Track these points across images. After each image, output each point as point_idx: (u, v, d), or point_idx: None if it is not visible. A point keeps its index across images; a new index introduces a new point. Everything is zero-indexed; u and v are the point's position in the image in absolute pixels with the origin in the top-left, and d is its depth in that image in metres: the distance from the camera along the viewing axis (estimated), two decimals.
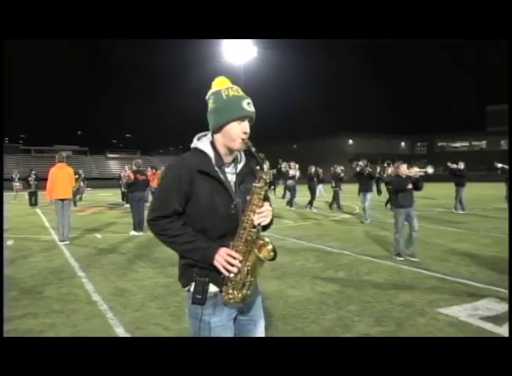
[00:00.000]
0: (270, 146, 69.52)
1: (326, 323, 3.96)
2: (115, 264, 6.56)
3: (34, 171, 18.49)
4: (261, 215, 1.70)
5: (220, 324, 1.77)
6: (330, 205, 14.96)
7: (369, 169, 11.79)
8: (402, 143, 69.37)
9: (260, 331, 1.93)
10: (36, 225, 11.72)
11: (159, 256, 7.02)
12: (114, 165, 54.32)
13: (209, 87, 1.90)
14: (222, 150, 1.81)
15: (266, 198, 1.80)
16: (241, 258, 1.69)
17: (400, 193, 6.65)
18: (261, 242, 1.71)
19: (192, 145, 1.85)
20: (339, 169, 14.90)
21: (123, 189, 18.22)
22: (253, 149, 1.77)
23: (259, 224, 1.70)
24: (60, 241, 8.50)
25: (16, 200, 20.29)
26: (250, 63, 40.50)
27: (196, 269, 1.75)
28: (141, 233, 9.45)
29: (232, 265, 1.68)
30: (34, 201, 17.59)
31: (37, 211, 15.55)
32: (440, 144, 66.36)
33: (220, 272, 1.71)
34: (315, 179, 15.36)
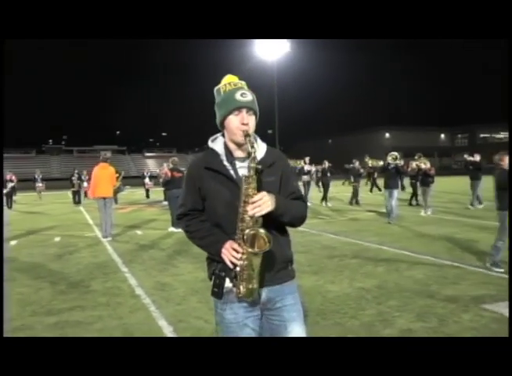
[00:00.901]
0: (304, 141, 69.10)
1: (366, 319, 3.93)
2: (156, 259, 6.75)
3: (76, 171, 19.22)
4: (255, 205, 1.64)
5: (235, 321, 1.77)
6: (350, 201, 14.76)
7: (398, 162, 10.41)
8: (442, 135, 67.20)
9: (292, 336, 1.81)
10: (80, 222, 12.20)
11: (198, 251, 7.09)
12: (151, 164, 55.56)
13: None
14: (231, 146, 1.83)
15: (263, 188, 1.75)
16: (242, 251, 1.66)
17: (505, 192, 5.20)
18: (252, 233, 1.66)
19: (209, 144, 1.90)
20: (358, 164, 14.73)
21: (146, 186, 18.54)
22: (248, 138, 1.73)
23: (254, 215, 1.65)
24: (103, 237, 8.85)
25: (41, 200, 21.09)
26: (283, 59, 40.31)
27: (216, 263, 1.79)
28: (179, 230, 9.66)
29: (236, 258, 1.67)
30: (77, 200, 18.31)
31: (81, 209, 16.18)
32: (482, 135, 63.74)
33: (234, 267, 1.71)
34: (329, 174, 15.21)
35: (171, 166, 10.36)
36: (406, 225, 9.59)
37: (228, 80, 1.87)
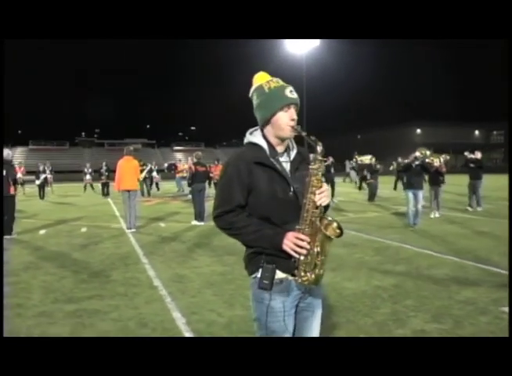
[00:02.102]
0: (333, 137, 68.35)
1: (380, 317, 3.88)
2: (176, 252, 6.86)
3: (105, 163, 19.68)
4: (322, 196, 1.75)
5: (283, 310, 1.82)
6: (369, 198, 14.54)
7: (428, 159, 9.33)
8: (476, 132, 65.05)
9: (317, 319, 1.95)
10: (107, 214, 12.51)
11: (218, 245, 7.24)
12: (180, 157, 56.33)
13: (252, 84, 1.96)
14: (274, 141, 1.87)
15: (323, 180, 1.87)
16: (309, 240, 1.73)
17: None
18: (326, 221, 1.76)
19: (246, 140, 1.92)
20: (374, 160, 14.50)
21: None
22: (303, 133, 1.84)
23: (320, 204, 1.76)
24: (128, 229, 9.07)
25: (85, 193, 21.61)
26: (312, 52, 39.92)
27: (264, 256, 1.81)
28: (202, 223, 9.78)
29: (302, 247, 1.72)
30: (106, 192, 18.77)
31: (109, 201, 16.59)
32: None
33: (289, 258, 1.76)
34: (332, 171, 15.11)
35: (194, 160, 10.46)
36: (430, 224, 9.37)
37: (266, 77, 1.91)
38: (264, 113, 1.86)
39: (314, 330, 1.94)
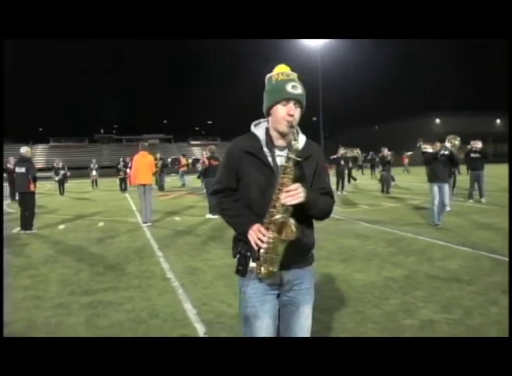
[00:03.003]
0: (349, 128, 67.70)
1: (388, 308, 3.90)
2: (190, 245, 6.97)
3: (122, 159, 19.98)
4: (288, 195, 1.71)
5: (255, 296, 1.87)
6: (382, 190, 14.41)
7: (453, 149, 8.07)
8: (497, 121, 63.49)
9: (303, 317, 1.94)
10: (124, 208, 12.74)
11: (231, 238, 7.29)
12: (197, 152, 56.65)
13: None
14: (274, 134, 1.89)
15: (303, 178, 1.82)
16: (270, 235, 1.74)
17: None
18: (283, 221, 1.73)
19: (251, 128, 1.97)
20: (386, 152, 14.33)
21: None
22: (291, 129, 1.79)
23: (285, 203, 1.72)
24: (143, 223, 9.24)
25: (94, 189, 21.90)
26: (327, 44, 39.54)
27: (241, 244, 1.88)
28: (216, 217, 9.88)
29: (261, 240, 1.75)
30: (123, 187, 19.07)
31: (126, 196, 16.86)
32: None
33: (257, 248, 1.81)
34: (342, 163, 15.17)
35: (208, 154, 10.55)
36: (445, 215, 9.25)
37: (281, 69, 1.93)
38: (266, 102, 1.90)
39: (300, 327, 1.93)
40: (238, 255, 1.89)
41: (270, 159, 1.86)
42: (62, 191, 18.53)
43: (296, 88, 1.84)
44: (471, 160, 11.50)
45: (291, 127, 1.80)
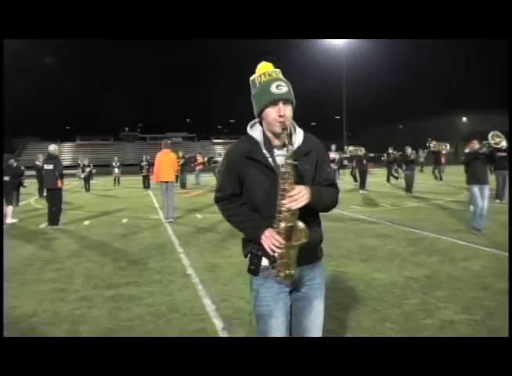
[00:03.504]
0: (373, 126, 66.79)
1: (408, 307, 3.86)
2: (210, 242, 7.05)
3: (145, 157, 20.27)
4: (291, 199, 1.71)
5: (268, 295, 1.89)
6: (406, 189, 14.16)
7: (498, 147, 7.71)
8: None
9: (316, 312, 1.96)
10: (147, 205, 12.96)
11: None
12: (219, 150, 57.01)
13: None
14: (269, 134, 1.88)
15: (304, 181, 1.83)
16: (282, 241, 1.75)
17: None
18: (292, 226, 1.75)
19: (247, 130, 1.95)
20: (409, 151, 14.08)
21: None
22: (284, 131, 1.79)
23: (290, 208, 1.72)
24: (165, 219, 9.40)
25: (117, 186, 22.24)
26: (351, 42, 39.13)
27: (252, 244, 1.90)
28: None
29: (276, 246, 1.76)
30: (146, 184, 19.36)
31: (149, 193, 17.12)
32: None
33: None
34: (365, 162, 15.03)
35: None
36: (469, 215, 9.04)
37: (263, 69, 1.90)
38: (255, 107, 1.89)
39: (312, 322, 1.95)
40: (249, 255, 1.91)
41: (270, 160, 1.85)
42: (87, 188, 18.96)
43: (281, 88, 1.82)
44: (498, 160, 11.06)
45: (284, 129, 1.79)
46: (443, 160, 20.61)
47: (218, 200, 2.02)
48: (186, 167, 20.12)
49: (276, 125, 1.81)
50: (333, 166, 15.55)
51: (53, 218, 8.96)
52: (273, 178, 1.83)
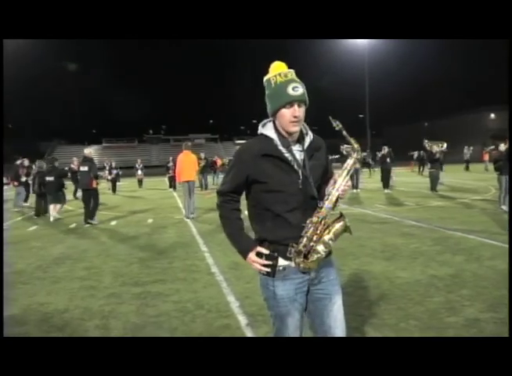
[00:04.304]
0: (397, 125, 65.73)
1: (432, 306, 3.84)
2: None
3: (171, 158, 20.56)
4: (347, 188, 1.90)
5: (286, 296, 1.90)
6: (431, 188, 13.90)
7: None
8: None
9: (336, 308, 1.97)
10: (172, 206, 13.20)
11: None
12: None
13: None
14: (283, 132, 1.91)
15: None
16: (267, 253, 1.89)
17: None
18: (345, 222, 1.90)
19: (258, 131, 1.98)
20: (435, 148, 13.78)
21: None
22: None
23: (338, 199, 1.88)
24: (186, 217, 9.70)
25: (140, 188, 22.57)
26: (375, 40, 38.74)
27: (267, 244, 1.91)
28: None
29: (261, 264, 1.89)
30: (172, 185, 19.66)
31: (173, 195, 17.39)
32: None
33: (287, 247, 1.86)
34: (389, 160, 14.75)
35: None
36: (498, 214, 8.86)
37: (278, 69, 1.92)
38: (270, 106, 1.92)
39: (335, 319, 1.96)
40: (264, 256, 1.90)
41: (289, 155, 1.88)
42: (114, 189, 19.40)
43: (297, 89, 1.85)
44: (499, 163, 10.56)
45: (298, 126, 1.87)
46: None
47: (220, 193, 2.03)
48: (206, 169, 20.35)
49: (290, 125, 1.86)
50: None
51: (90, 215, 9.53)
52: (293, 173, 1.87)
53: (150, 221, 9.90)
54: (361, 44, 39.72)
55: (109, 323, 3.74)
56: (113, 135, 63.00)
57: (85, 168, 9.55)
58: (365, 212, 9.30)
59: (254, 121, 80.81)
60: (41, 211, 11.28)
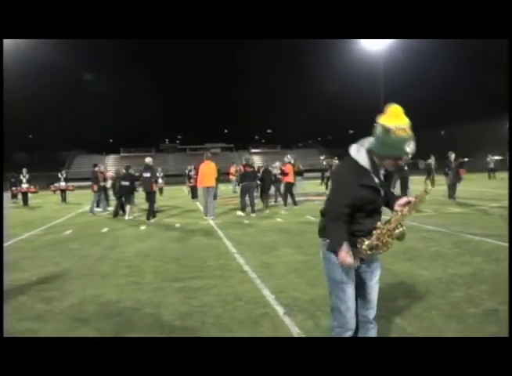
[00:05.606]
0: (414, 132, 65.23)
1: (453, 299, 4.18)
2: (261, 244, 7.54)
3: (193, 166, 20.93)
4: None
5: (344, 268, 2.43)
6: (449, 195, 14.09)
7: None
8: None
9: (375, 280, 2.58)
10: (195, 211, 13.68)
11: (299, 238, 7.82)
12: (257, 160, 57.75)
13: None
14: (378, 163, 2.34)
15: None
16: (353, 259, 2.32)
17: None
18: (398, 225, 2.40)
19: (353, 154, 2.35)
20: (452, 156, 14.01)
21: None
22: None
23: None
24: (205, 216, 11.41)
25: (161, 196, 22.89)
26: (391, 44, 38.97)
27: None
28: (242, 214, 11.89)
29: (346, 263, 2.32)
30: (194, 194, 20.09)
31: (196, 203, 17.87)
32: None
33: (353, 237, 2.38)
34: (406, 168, 14.88)
35: (244, 162, 12.85)
36: None
37: (398, 119, 2.19)
38: (380, 150, 2.26)
39: (372, 288, 2.55)
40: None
41: (376, 180, 2.35)
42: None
43: (412, 147, 2.20)
44: None
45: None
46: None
47: (340, 215, 2.31)
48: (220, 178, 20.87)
49: (390, 166, 2.34)
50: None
51: (152, 214, 11.56)
52: (379, 195, 2.37)
53: (178, 225, 10.36)
54: (376, 52, 40.03)
55: (160, 311, 4.17)
56: (130, 144, 64.18)
57: (147, 174, 11.46)
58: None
59: (269, 131, 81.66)
60: (117, 212, 12.58)
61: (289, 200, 13.76)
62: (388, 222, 2.37)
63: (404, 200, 2.36)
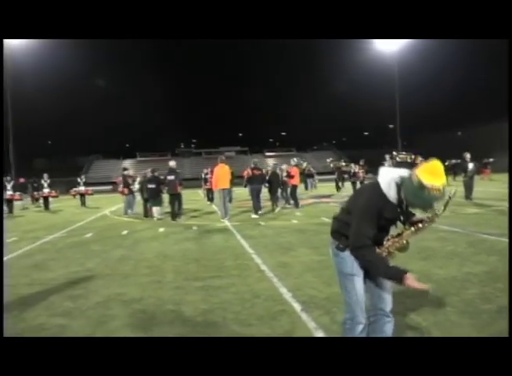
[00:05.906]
0: (429, 134, 64.74)
1: (468, 296, 4.26)
2: (277, 244, 7.68)
3: (209, 169, 21.14)
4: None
5: (352, 259, 2.60)
6: (465, 196, 14.00)
7: None
8: None
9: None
10: (210, 213, 13.90)
11: (314, 239, 7.94)
12: (271, 163, 57.89)
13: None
14: (403, 197, 2.47)
15: None
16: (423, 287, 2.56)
17: None
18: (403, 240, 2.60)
19: (384, 189, 2.45)
20: (469, 156, 13.92)
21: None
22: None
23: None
24: (222, 218, 11.60)
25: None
26: (405, 45, 38.83)
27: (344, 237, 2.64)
28: (257, 216, 12.16)
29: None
30: (210, 197, 20.30)
31: (212, 206, 18.11)
32: None
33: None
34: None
35: (252, 166, 13.22)
36: None
37: (436, 180, 2.27)
38: (411, 199, 2.40)
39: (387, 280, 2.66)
40: (342, 238, 2.64)
41: (400, 211, 2.54)
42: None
43: (438, 201, 2.36)
44: None
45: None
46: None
47: (363, 246, 2.45)
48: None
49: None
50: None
51: (177, 214, 12.23)
52: (398, 215, 2.56)
53: (195, 228, 10.57)
54: (389, 53, 39.91)
55: (181, 308, 4.35)
56: (146, 149, 64.99)
57: (172, 177, 12.22)
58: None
59: (283, 134, 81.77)
60: (147, 213, 13.24)
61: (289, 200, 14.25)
62: (399, 235, 2.57)
63: (418, 218, 2.59)
